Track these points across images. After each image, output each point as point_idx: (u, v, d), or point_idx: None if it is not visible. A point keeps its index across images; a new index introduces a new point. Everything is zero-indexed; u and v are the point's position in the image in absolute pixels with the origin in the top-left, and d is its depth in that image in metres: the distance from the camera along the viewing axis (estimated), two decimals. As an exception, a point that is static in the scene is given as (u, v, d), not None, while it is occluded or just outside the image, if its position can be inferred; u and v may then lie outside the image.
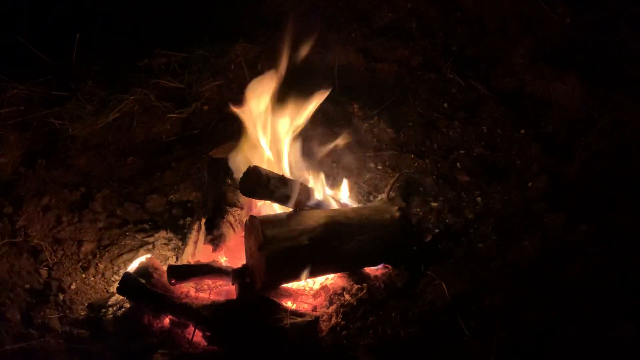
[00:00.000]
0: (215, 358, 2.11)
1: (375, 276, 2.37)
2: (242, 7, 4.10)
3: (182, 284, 2.34)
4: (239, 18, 4.05)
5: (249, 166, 2.31)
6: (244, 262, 2.39)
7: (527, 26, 3.83)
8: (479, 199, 2.82)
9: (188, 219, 2.81)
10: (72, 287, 2.52)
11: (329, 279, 2.42)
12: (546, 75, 3.45)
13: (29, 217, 2.78)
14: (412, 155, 3.11)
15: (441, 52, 3.79)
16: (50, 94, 3.44)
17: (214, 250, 2.46)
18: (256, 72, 3.45)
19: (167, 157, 3.17)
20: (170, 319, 2.27)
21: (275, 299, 2.24)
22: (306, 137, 3.12)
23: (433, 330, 2.08)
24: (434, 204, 2.80)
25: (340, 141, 2.99)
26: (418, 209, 2.77)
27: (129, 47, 3.81)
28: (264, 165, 2.48)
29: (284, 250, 2.17)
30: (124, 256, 2.66)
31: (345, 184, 2.72)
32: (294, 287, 2.40)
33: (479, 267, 2.36)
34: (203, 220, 2.54)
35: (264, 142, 2.59)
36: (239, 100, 2.56)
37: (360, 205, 2.68)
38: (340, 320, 2.18)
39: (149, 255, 2.56)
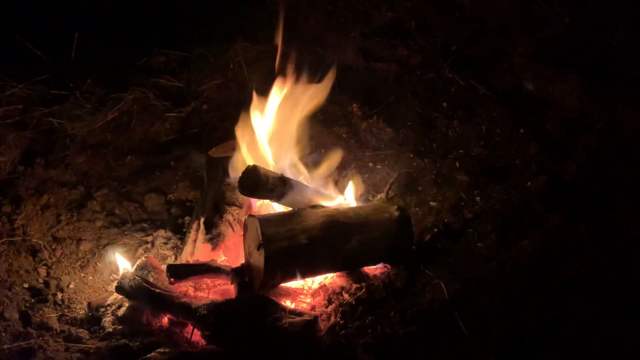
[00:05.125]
0: (213, 357, 2.11)
1: (374, 275, 2.37)
2: (241, 6, 4.10)
3: (181, 283, 2.35)
4: (238, 17, 4.05)
5: (248, 165, 2.31)
6: (243, 261, 2.39)
7: (526, 26, 3.83)
8: (477, 198, 2.82)
9: (187, 218, 2.81)
10: (71, 286, 2.52)
11: (328, 278, 2.42)
12: (545, 74, 3.45)
13: (28, 215, 2.78)
14: (411, 155, 3.11)
15: (440, 51, 3.78)
16: (49, 93, 3.43)
17: (213, 249, 2.47)
18: (255, 70, 3.45)
19: (166, 156, 3.17)
20: (169, 318, 2.27)
21: (274, 298, 2.24)
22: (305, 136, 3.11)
23: (432, 330, 2.08)
24: (432, 204, 2.81)
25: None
26: (417, 209, 2.77)
27: (127, 46, 3.80)
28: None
29: (283, 249, 2.17)
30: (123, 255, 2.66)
31: (344, 183, 2.72)
32: (292, 286, 2.40)
33: (478, 266, 2.36)
34: (202, 220, 2.54)
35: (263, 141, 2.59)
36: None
37: (359, 204, 2.68)
38: (339, 319, 2.18)
39: (148, 254, 2.56)
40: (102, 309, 2.35)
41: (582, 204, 2.64)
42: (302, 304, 2.34)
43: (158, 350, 2.05)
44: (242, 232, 2.44)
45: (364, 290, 2.27)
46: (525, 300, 2.15)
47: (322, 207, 2.44)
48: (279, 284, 2.33)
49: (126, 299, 2.31)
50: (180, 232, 2.73)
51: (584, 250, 2.35)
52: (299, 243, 2.19)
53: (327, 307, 2.26)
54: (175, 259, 2.58)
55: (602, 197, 2.66)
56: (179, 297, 2.26)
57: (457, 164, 3.05)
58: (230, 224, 2.53)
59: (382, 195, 2.63)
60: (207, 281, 2.43)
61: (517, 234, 2.54)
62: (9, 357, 2.12)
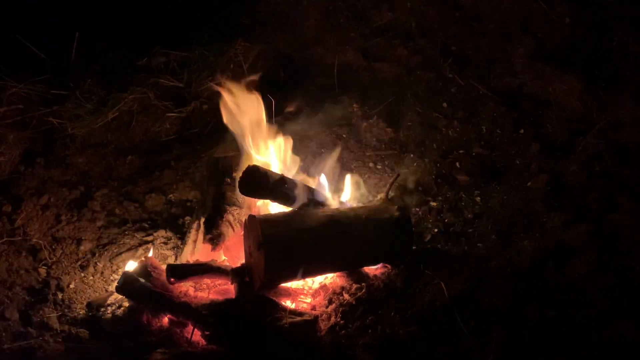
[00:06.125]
0: (214, 357, 2.11)
1: (375, 275, 2.37)
2: (241, 6, 4.10)
3: (181, 283, 2.34)
4: (238, 17, 4.05)
5: (249, 165, 2.31)
6: (243, 261, 2.39)
7: (526, 26, 3.83)
8: (478, 198, 2.82)
9: (187, 218, 2.81)
10: (71, 286, 2.52)
11: (328, 279, 2.42)
12: (546, 75, 3.45)
13: (28, 215, 2.78)
14: (412, 155, 3.11)
15: (440, 51, 3.78)
16: (49, 93, 3.43)
17: (213, 249, 2.46)
18: (255, 70, 3.45)
19: (166, 156, 3.17)
20: (169, 318, 2.27)
21: (274, 298, 2.24)
22: (306, 136, 3.12)
23: (432, 330, 2.09)
24: (433, 204, 2.81)
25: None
26: (417, 209, 2.77)
27: (128, 46, 3.80)
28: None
29: (283, 249, 2.17)
30: (123, 255, 2.66)
31: (344, 183, 2.72)
32: (293, 286, 2.40)
33: (478, 266, 2.36)
34: (202, 220, 2.54)
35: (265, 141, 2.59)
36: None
37: (359, 204, 2.68)
38: (339, 319, 2.18)
39: (148, 254, 2.56)
40: (102, 309, 2.35)
41: (582, 204, 2.65)
42: (303, 304, 2.34)
43: (158, 350, 2.05)
44: (242, 232, 2.44)
45: (364, 290, 2.27)
46: (525, 300, 2.15)
47: (323, 207, 2.44)
48: (279, 284, 2.33)
49: (126, 299, 2.31)
50: (180, 232, 2.73)
51: (584, 250, 2.35)
52: (299, 243, 2.19)
53: (327, 307, 2.26)
54: (176, 259, 2.58)
55: (602, 197, 2.66)
56: (179, 297, 2.26)
57: (457, 164, 3.05)
58: (230, 224, 2.53)
59: (382, 196, 2.63)
60: (207, 281, 2.43)
61: (518, 234, 2.55)
62: (9, 357, 2.13)
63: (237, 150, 2.68)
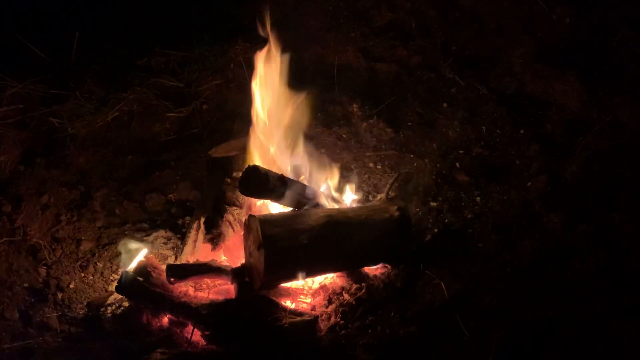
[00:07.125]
0: (214, 357, 2.11)
1: (375, 276, 2.37)
2: (242, 6, 4.10)
3: (181, 283, 2.35)
4: (239, 17, 4.05)
5: (248, 165, 2.31)
6: (243, 261, 2.39)
7: (526, 26, 3.83)
8: (478, 198, 2.82)
9: (187, 218, 2.81)
10: (71, 285, 2.52)
11: (328, 279, 2.42)
12: (546, 75, 3.45)
13: (28, 215, 2.78)
14: (412, 155, 3.11)
15: (440, 51, 3.78)
16: (49, 93, 3.43)
17: (213, 249, 2.47)
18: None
19: (166, 156, 3.17)
20: (169, 318, 2.27)
21: (274, 298, 2.24)
22: (306, 136, 3.11)
23: (432, 330, 2.09)
24: (433, 204, 2.81)
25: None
26: (417, 209, 2.77)
27: (128, 45, 3.80)
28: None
29: (283, 249, 2.17)
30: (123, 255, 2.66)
31: (344, 183, 2.72)
32: (293, 286, 2.40)
33: (478, 266, 2.36)
34: (202, 219, 2.54)
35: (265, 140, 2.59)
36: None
37: (359, 205, 2.68)
38: (339, 319, 2.18)
39: (148, 254, 2.56)
40: (102, 309, 2.34)
41: (582, 204, 2.64)
42: (302, 304, 2.34)
43: (158, 350, 2.05)
44: (242, 232, 2.44)
45: (364, 290, 2.27)
46: (525, 300, 2.15)
47: (323, 207, 2.44)
48: (279, 284, 2.33)
49: (126, 299, 2.31)
50: (180, 232, 2.73)
51: (584, 250, 2.35)
52: (299, 243, 2.19)
53: (327, 307, 2.26)
54: (176, 259, 2.58)
55: (602, 197, 2.66)
56: (179, 297, 2.26)
57: (457, 164, 3.05)
58: (230, 224, 2.53)
59: (382, 196, 2.63)
60: (207, 281, 2.43)
61: (518, 234, 2.54)
62: (9, 357, 2.13)
63: (237, 150, 2.68)
